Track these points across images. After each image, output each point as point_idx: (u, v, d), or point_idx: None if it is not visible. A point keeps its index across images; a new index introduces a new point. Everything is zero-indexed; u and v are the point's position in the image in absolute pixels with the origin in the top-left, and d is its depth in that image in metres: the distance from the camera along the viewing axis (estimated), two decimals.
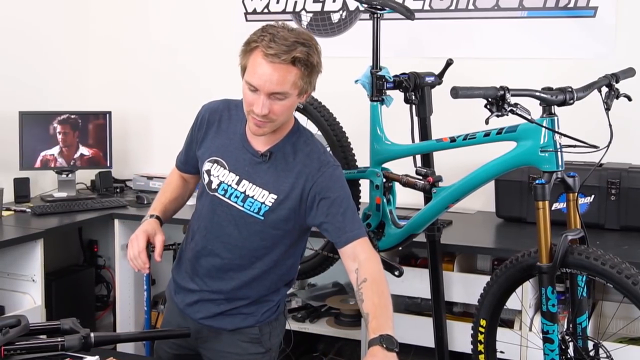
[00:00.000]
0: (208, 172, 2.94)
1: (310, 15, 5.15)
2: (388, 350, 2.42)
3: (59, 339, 2.57)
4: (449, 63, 3.64)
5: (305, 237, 3.02)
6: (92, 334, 2.60)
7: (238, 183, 2.88)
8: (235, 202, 2.88)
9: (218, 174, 2.92)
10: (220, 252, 2.94)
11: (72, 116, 5.27)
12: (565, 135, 2.89)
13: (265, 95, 2.64)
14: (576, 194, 2.97)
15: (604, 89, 2.99)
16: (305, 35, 2.70)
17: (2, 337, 2.52)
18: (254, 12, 5.28)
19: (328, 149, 3.80)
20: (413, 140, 3.62)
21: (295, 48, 2.62)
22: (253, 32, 2.69)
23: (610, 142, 2.85)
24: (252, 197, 2.85)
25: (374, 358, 2.41)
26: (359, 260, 2.74)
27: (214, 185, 2.92)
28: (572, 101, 2.90)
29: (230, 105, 3.00)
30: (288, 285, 3.12)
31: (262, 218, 2.85)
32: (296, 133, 2.90)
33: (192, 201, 3.17)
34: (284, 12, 5.18)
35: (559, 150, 2.91)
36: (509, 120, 2.89)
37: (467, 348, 3.42)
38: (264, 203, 2.84)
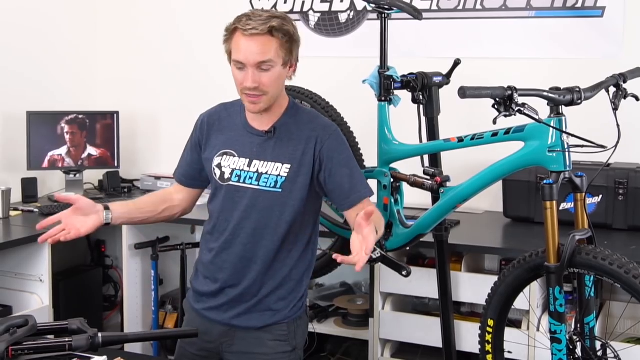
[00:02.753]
0: (219, 165, 3.01)
1: (318, 15, 5.15)
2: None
3: (67, 339, 2.57)
4: (456, 63, 3.64)
5: (318, 206, 3.10)
6: (99, 334, 2.60)
7: (249, 165, 2.97)
8: (250, 184, 2.95)
9: (229, 164, 3.00)
10: (243, 240, 2.99)
11: (80, 116, 5.28)
12: (573, 135, 2.89)
13: (252, 68, 2.82)
14: (584, 194, 2.97)
15: (612, 89, 2.99)
16: (278, 12, 2.93)
17: (9, 337, 2.52)
18: None
19: None
20: (421, 140, 3.62)
21: (270, 20, 2.82)
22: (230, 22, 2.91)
23: (618, 142, 2.84)
24: (266, 173, 2.94)
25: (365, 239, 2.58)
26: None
27: (227, 175, 2.99)
28: (579, 101, 2.90)
29: (225, 105, 3.14)
30: (308, 274, 3.16)
31: (280, 190, 2.93)
32: (293, 108, 3.05)
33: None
34: (291, 12, 5.18)
35: (567, 150, 2.91)
36: (517, 120, 2.89)
37: (474, 348, 3.42)
38: (279, 175, 2.93)
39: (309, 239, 3.06)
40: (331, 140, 2.95)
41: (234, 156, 2.99)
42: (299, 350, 3.13)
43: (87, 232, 2.99)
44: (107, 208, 3.02)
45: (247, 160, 2.97)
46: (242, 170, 2.97)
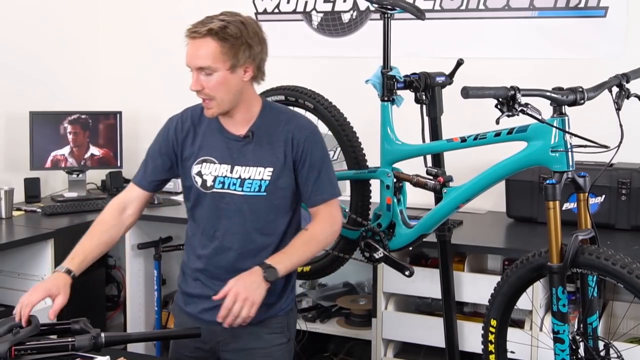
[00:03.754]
0: (199, 173, 3.00)
1: (321, 15, 5.15)
2: (265, 278, 2.76)
3: (70, 339, 2.57)
4: (459, 63, 3.64)
5: (299, 202, 3.12)
6: (102, 334, 2.61)
7: (231, 171, 2.96)
8: (235, 190, 2.95)
9: (210, 171, 2.98)
10: (232, 245, 2.98)
11: (83, 116, 5.28)
12: (575, 135, 2.89)
13: (195, 71, 2.86)
14: (587, 194, 2.96)
15: (615, 89, 2.98)
16: (232, 13, 2.90)
17: (12, 337, 2.53)
18: (265, 12, 5.29)
19: (338, 149, 3.81)
20: (424, 140, 3.62)
21: (212, 22, 2.82)
22: None
23: (620, 142, 2.84)
24: (249, 178, 2.94)
25: (239, 278, 2.77)
26: (315, 219, 2.99)
27: (209, 183, 2.98)
28: (582, 101, 2.90)
29: (195, 108, 3.11)
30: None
31: (265, 194, 2.94)
32: (268, 108, 3.03)
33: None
34: (294, 12, 5.19)
35: (570, 150, 2.91)
36: (520, 120, 2.89)
37: (477, 348, 3.42)
38: (262, 179, 2.93)
39: (295, 231, 3.05)
40: (307, 141, 2.95)
41: (215, 163, 2.98)
42: (292, 341, 3.17)
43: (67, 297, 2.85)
44: (68, 272, 2.91)
45: (229, 166, 2.96)
46: (225, 176, 2.96)
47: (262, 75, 2.99)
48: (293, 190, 2.99)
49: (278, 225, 3.00)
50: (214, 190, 2.97)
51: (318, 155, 2.98)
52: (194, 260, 3.08)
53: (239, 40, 2.83)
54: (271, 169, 2.93)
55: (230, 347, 3.05)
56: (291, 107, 3.86)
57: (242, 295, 2.71)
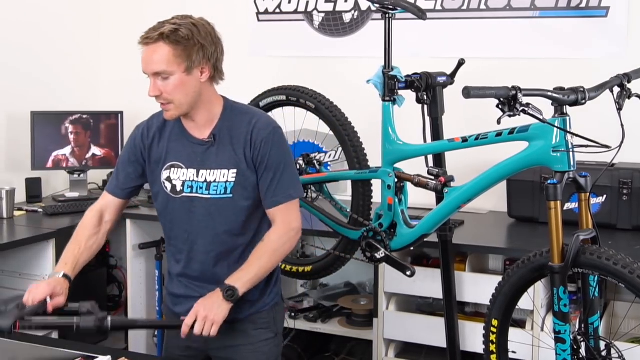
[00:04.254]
0: (168, 179, 3.03)
1: (322, 15, 5.15)
2: (225, 298, 2.82)
3: (75, 319, 2.58)
4: (460, 63, 3.64)
5: None
6: (109, 318, 2.62)
7: (197, 175, 2.99)
8: (202, 193, 2.98)
9: (178, 176, 3.02)
10: (206, 247, 3.02)
11: (84, 116, 5.28)
12: (577, 135, 2.89)
13: (152, 77, 2.89)
14: (588, 194, 2.97)
15: (616, 89, 2.99)
16: (184, 16, 2.95)
17: (18, 312, 2.55)
18: (266, 12, 5.29)
19: (339, 149, 3.81)
20: (425, 140, 3.62)
21: (163, 26, 2.85)
22: None
23: (622, 142, 2.84)
24: (214, 180, 2.97)
25: (203, 299, 2.85)
26: (272, 227, 3.00)
27: (179, 188, 3.02)
28: (584, 101, 2.90)
29: (159, 115, 3.12)
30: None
31: (232, 195, 2.97)
32: (229, 109, 3.04)
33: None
34: (295, 12, 5.19)
35: (571, 150, 2.91)
36: (521, 120, 2.89)
37: (479, 348, 3.42)
38: (227, 181, 2.96)
39: (268, 229, 3.05)
40: (264, 142, 2.95)
41: (182, 167, 3.01)
42: (280, 335, 3.20)
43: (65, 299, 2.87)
44: (65, 276, 2.94)
45: (195, 170, 2.99)
46: (193, 180, 2.99)
47: (220, 74, 3.01)
48: (258, 192, 2.99)
49: (248, 225, 3.02)
50: (184, 194, 3.01)
51: (275, 157, 2.97)
52: (174, 265, 3.14)
53: (191, 41, 2.86)
54: (235, 171, 2.95)
55: (219, 344, 3.07)
56: (291, 108, 3.89)
57: (202, 314, 2.80)
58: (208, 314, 2.79)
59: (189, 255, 3.06)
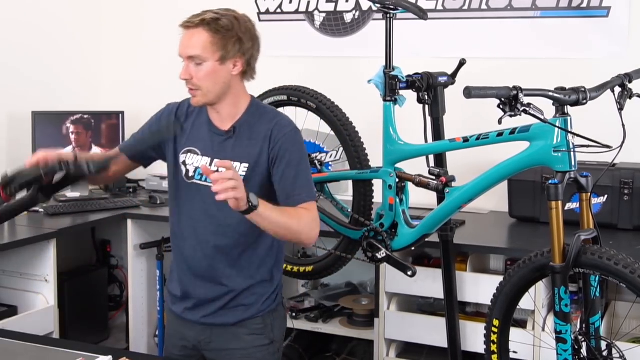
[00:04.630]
0: (184, 163, 3.06)
1: (323, 15, 5.15)
2: (248, 201, 2.65)
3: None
4: (462, 63, 3.64)
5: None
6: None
7: (210, 164, 2.99)
8: (210, 182, 2.90)
9: (192, 162, 3.04)
10: (209, 239, 3.02)
11: (85, 116, 5.28)
12: (578, 135, 2.89)
13: (185, 60, 2.92)
14: (589, 194, 2.97)
15: (617, 89, 2.99)
16: (228, 9, 2.97)
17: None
18: (267, 12, 5.28)
19: (340, 149, 3.81)
20: (426, 140, 3.62)
21: (205, 14, 2.91)
22: None
23: (623, 142, 2.85)
24: None
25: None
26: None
27: (191, 173, 3.04)
28: (585, 101, 2.90)
29: (188, 102, 3.12)
30: (278, 268, 3.18)
31: None
32: (254, 106, 3.06)
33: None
34: (296, 12, 5.19)
35: (572, 150, 2.91)
36: (522, 120, 2.89)
37: (480, 348, 3.42)
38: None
39: (273, 238, 3.04)
40: (285, 140, 2.96)
41: (197, 154, 3.03)
42: (277, 343, 3.17)
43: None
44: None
45: (209, 159, 3.01)
46: None
47: (252, 72, 3.02)
48: (265, 191, 2.95)
49: (252, 225, 2.94)
50: (194, 181, 3.02)
51: (296, 155, 2.97)
52: (178, 257, 3.14)
53: (230, 32, 2.88)
54: (247, 165, 2.96)
55: (211, 346, 3.09)
56: (292, 108, 3.88)
57: (231, 175, 2.62)
58: (237, 184, 2.60)
59: (191, 244, 3.05)
